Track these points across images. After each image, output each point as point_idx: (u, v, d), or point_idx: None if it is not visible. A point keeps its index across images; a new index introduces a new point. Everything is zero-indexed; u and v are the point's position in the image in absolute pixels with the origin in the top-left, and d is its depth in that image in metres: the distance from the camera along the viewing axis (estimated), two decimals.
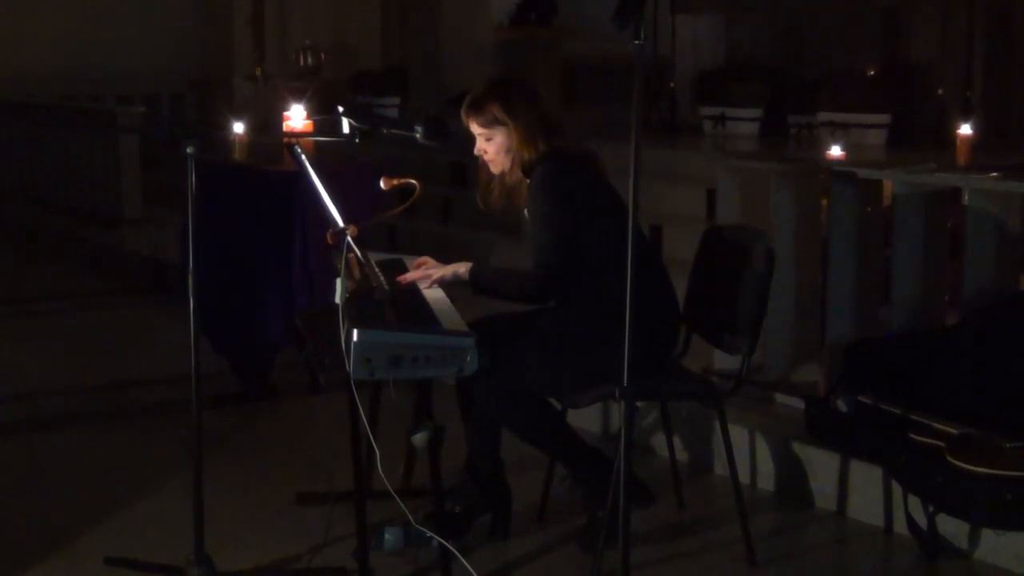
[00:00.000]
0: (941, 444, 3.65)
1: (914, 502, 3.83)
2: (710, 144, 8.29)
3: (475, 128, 3.78)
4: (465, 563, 3.54)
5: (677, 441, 4.43)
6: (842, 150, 4.98)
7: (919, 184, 4.51)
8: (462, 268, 3.76)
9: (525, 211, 3.86)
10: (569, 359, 3.70)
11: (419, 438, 3.51)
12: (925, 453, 3.67)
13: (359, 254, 3.55)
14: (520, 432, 3.73)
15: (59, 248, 9.11)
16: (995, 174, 4.37)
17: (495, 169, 3.82)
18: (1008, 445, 3.59)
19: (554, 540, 3.94)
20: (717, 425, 3.95)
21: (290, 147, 3.87)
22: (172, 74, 11.46)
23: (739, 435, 4.33)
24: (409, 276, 3.76)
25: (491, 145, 3.77)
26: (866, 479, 4.05)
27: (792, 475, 4.30)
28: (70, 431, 5.11)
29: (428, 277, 3.76)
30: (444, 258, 3.90)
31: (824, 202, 4.83)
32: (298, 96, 5.50)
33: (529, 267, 3.71)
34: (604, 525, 3.57)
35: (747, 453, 4.39)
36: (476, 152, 3.82)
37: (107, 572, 3.65)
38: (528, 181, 3.77)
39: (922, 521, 3.80)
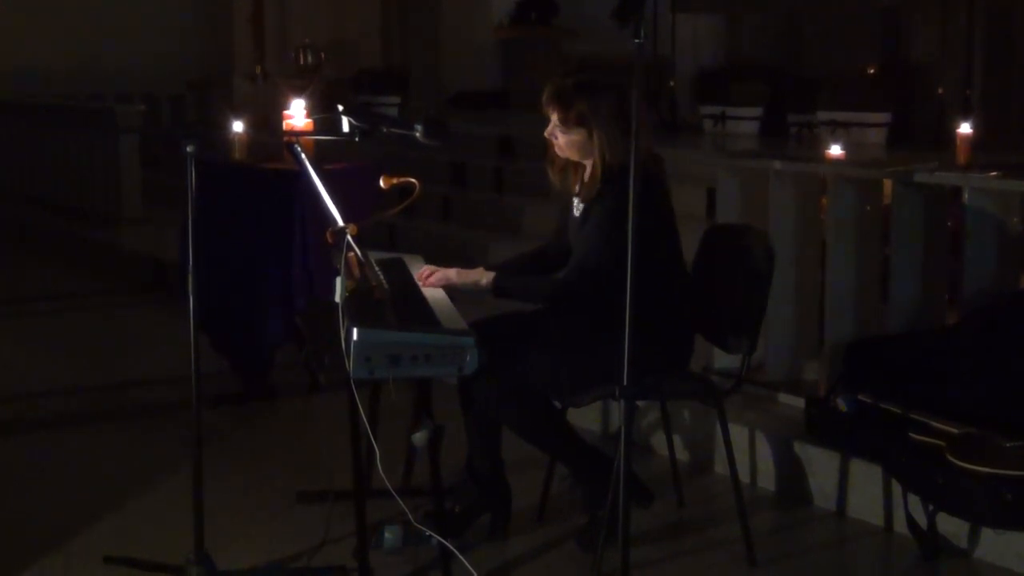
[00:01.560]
0: (941, 443, 3.65)
1: (914, 501, 3.83)
2: (710, 143, 8.29)
3: (553, 116, 3.74)
4: (465, 562, 3.54)
5: (677, 440, 4.43)
6: (842, 149, 4.97)
7: (919, 183, 4.51)
8: (483, 280, 3.75)
9: (576, 199, 3.83)
10: (570, 358, 3.70)
11: (419, 437, 3.51)
12: (925, 452, 3.67)
13: (359, 253, 3.54)
14: (520, 431, 3.73)
15: (59, 248, 9.11)
16: (995, 173, 4.37)
17: (561, 154, 3.79)
18: (1008, 445, 3.59)
19: (554, 539, 3.94)
20: (717, 424, 3.94)
21: (290, 146, 3.87)
22: (172, 73, 11.46)
23: (739, 434, 4.33)
24: (434, 279, 3.76)
25: (564, 138, 3.74)
26: (866, 478, 4.05)
27: (792, 474, 4.30)
28: (70, 431, 5.12)
29: (449, 280, 3.76)
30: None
31: (824, 201, 4.83)
32: (298, 95, 5.49)
33: (570, 270, 3.71)
34: (604, 524, 3.57)
35: (747, 452, 4.39)
36: (546, 135, 3.79)
37: (107, 571, 3.64)
38: (599, 185, 3.72)
39: (922, 520, 3.80)
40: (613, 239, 3.56)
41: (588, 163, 3.75)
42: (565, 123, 3.71)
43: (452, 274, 3.78)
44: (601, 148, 3.67)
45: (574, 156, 3.77)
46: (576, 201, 3.83)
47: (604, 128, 3.66)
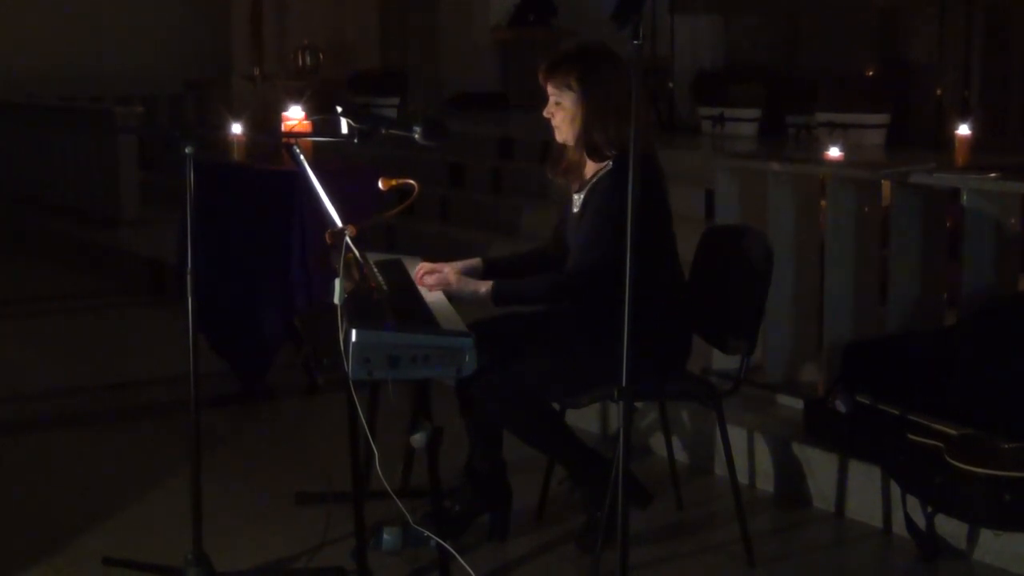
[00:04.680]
0: (940, 445, 3.65)
1: (913, 502, 3.83)
2: (709, 145, 8.30)
3: (548, 88, 3.74)
4: (463, 563, 3.54)
5: (676, 441, 4.43)
6: (840, 150, 4.97)
7: (917, 185, 4.51)
8: (482, 288, 3.70)
9: (575, 195, 3.82)
10: (568, 360, 3.69)
11: (418, 438, 3.51)
12: (924, 454, 3.68)
13: (358, 254, 3.54)
14: (519, 433, 3.73)
15: (58, 248, 9.10)
16: (993, 174, 4.37)
17: (559, 137, 3.77)
18: (1006, 446, 3.59)
19: (553, 540, 3.94)
20: (716, 425, 3.94)
21: (288, 147, 3.87)
22: (170, 74, 11.46)
23: (738, 435, 4.33)
24: (431, 281, 3.74)
25: (559, 110, 3.72)
26: (865, 479, 4.05)
27: (791, 475, 4.30)
28: (70, 431, 5.11)
29: (447, 284, 3.73)
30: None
31: (823, 202, 4.84)
32: (296, 96, 5.50)
33: (572, 264, 3.69)
34: (603, 525, 3.57)
35: (746, 453, 4.39)
36: (545, 114, 3.79)
37: (106, 572, 3.64)
38: (588, 163, 3.72)
39: (921, 521, 3.81)
40: (610, 234, 3.54)
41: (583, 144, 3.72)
42: (557, 88, 3.70)
43: (452, 279, 3.74)
44: (587, 117, 3.66)
45: (571, 137, 3.75)
46: (576, 197, 3.82)
47: (593, 95, 3.65)
